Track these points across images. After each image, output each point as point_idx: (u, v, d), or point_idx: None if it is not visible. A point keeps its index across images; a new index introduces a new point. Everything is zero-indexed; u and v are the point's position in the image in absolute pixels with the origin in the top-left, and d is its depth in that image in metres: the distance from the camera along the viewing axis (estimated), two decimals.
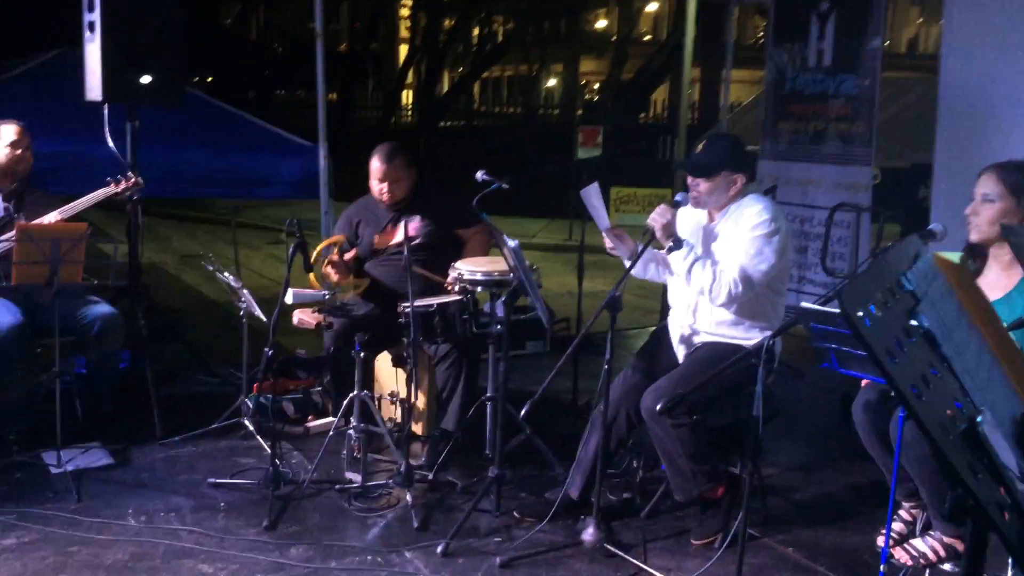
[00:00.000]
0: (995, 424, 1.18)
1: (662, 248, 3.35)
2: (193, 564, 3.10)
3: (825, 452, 4.35)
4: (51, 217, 4.02)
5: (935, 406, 1.13)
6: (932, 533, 3.23)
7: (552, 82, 34.11)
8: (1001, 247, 2.95)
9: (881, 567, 3.00)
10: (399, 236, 3.83)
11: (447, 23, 24.33)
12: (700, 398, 3.18)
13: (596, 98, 29.29)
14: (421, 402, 4.26)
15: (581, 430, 3.59)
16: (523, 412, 3.33)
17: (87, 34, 4.37)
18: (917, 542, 3.24)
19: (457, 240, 4.30)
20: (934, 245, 2.92)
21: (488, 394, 3.85)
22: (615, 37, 29.79)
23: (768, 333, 3.21)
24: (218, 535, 3.31)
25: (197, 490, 3.70)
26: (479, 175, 3.82)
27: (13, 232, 3.74)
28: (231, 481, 3.75)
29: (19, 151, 4.15)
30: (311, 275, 4.08)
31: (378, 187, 4.22)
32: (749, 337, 3.32)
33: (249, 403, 4.29)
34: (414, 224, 4.21)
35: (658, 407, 3.11)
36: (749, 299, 3.27)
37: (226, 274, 4.25)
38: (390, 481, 3.71)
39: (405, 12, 29.97)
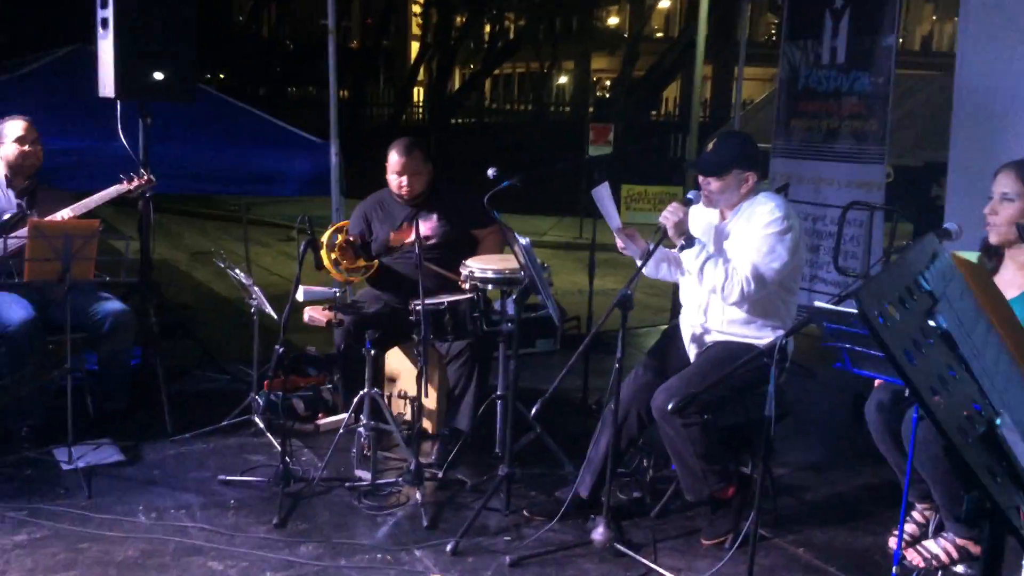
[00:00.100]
0: (1014, 426, 1.16)
1: (674, 247, 3.33)
2: (203, 561, 3.10)
3: (836, 452, 4.33)
4: (64, 214, 4.03)
5: (953, 408, 1.11)
6: (945, 534, 3.21)
7: (563, 79, 34.05)
8: (1019, 247, 2.92)
9: (893, 569, 2.98)
10: (412, 233, 3.81)
11: (459, 20, 24.31)
12: (711, 397, 3.17)
13: (608, 95, 29.21)
14: (431, 400, 4.26)
15: (591, 429, 3.58)
16: (534, 411, 3.32)
17: (100, 31, 4.38)
18: (930, 543, 3.22)
19: (472, 240, 4.29)
20: (949, 244, 2.89)
21: (498, 392, 3.84)
22: (627, 34, 29.73)
23: (780, 332, 3.20)
24: (228, 532, 3.31)
25: (207, 487, 3.70)
26: (490, 172, 3.80)
27: (26, 229, 3.75)
28: (241, 478, 3.75)
29: (27, 146, 4.16)
30: (325, 261, 4.07)
31: (397, 180, 4.20)
32: (761, 336, 3.30)
33: (259, 400, 4.30)
34: (430, 223, 4.20)
35: (670, 407, 3.10)
36: (761, 298, 3.25)
37: (237, 271, 4.25)
38: (400, 479, 3.70)
39: (417, 9, 29.99)
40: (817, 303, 2.55)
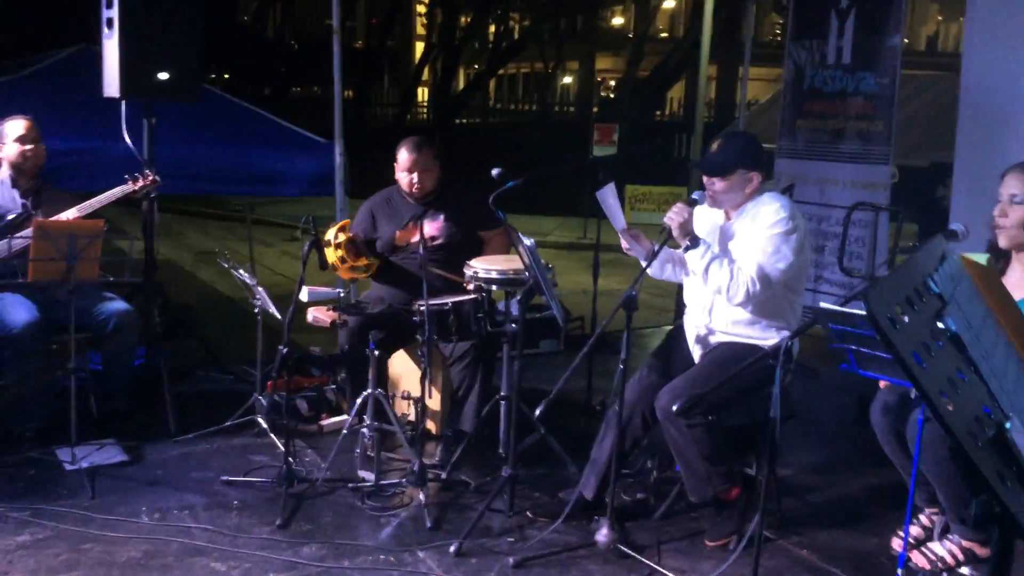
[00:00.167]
0: (1023, 429, 1.14)
1: (679, 247, 3.32)
2: (206, 562, 3.10)
3: (840, 453, 4.31)
4: (69, 214, 4.03)
5: (962, 411, 1.09)
6: (950, 536, 3.20)
7: (568, 79, 34.04)
8: None
9: (899, 571, 2.97)
10: (418, 233, 3.81)
11: (463, 20, 24.34)
12: (716, 399, 3.15)
13: (612, 96, 29.20)
14: (435, 401, 4.25)
15: (595, 429, 3.57)
16: (538, 412, 3.31)
17: (105, 30, 4.37)
18: (935, 545, 3.20)
19: (479, 241, 4.28)
20: (955, 246, 2.87)
21: (502, 393, 3.83)
22: (631, 34, 29.69)
23: (785, 332, 3.19)
24: (231, 533, 3.30)
25: (210, 488, 3.69)
26: (494, 172, 3.79)
27: (30, 229, 3.75)
28: (244, 479, 3.75)
29: (28, 146, 4.16)
30: (331, 258, 4.06)
31: (408, 178, 4.19)
32: (766, 337, 3.29)
33: (263, 401, 4.29)
34: (437, 223, 4.19)
35: (674, 408, 3.08)
36: (766, 298, 3.24)
37: (241, 271, 4.25)
38: (403, 480, 3.69)
39: (422, 9, 30.02)
40: (823, 304, 2.54)
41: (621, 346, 3.07)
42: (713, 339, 3.40)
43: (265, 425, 4.27)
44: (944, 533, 3.26)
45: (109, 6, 4.33)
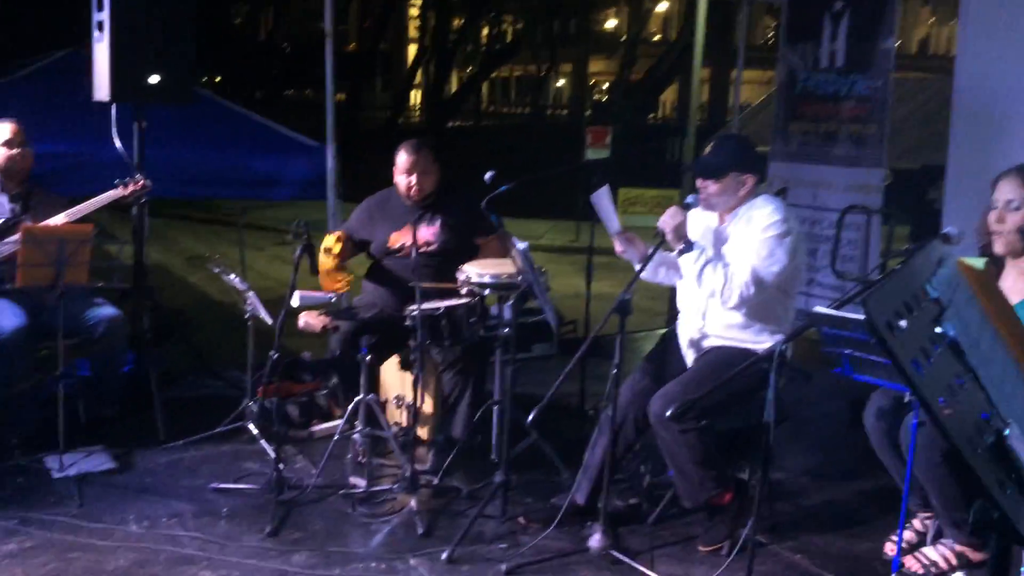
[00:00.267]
0: (1022, 436, 1.13)
1: (672, 251, 3.31)
2: (195, 571, 3.07)
3: (833, 457, 4.30)
4: (59, 219, 4.00)
5: (962, 418, 1.08)
6: (943, 541, 3.19)
7: (561, 82, 34.08)
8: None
9: (892, 575, 2.95)
10: (411, 237, 3.79)
11: (456, 23, 24.34)
12: (709, 403, 3.13)
13: (605, 98, 29.25)
14: (427, 406, 4.22)
15: (588, 434, 3.55)
16: (531, 418, 3.29)
17: (96, 33, 4.34)
18: (928, 550, 3.19)
19: (474, 247, 4.25)
20: (950, 250, 2.86)
21: (494, 398, 3.80)
22: (625, 37, 29.74)
23: (778, 336, 3.17)
24: (220, 541, 3.27)
25: (200, 495, 3.66)
26: (487, 176, 3.77)
27: (18, 235, 3.72)
28: (234, 486, 3.72)
29: (15, 150, 4.12)
30: (327, 264, 4.02)
31: (406, 180, 4.15)
32: (759, 340, 3.28)
33: (254, 407, 4.26)
34: (433, 229, 4.16)
35: (668, 413, 3.06)
36: (760, 302, 3.23)
37: (232, 276, 4.21)
38: (395, 486, 3.67)
39: (414, 12, 30.02)
40: (817, 308, 2.53)
41: (614, 350, 3.05)
42: (706, 343, 3.39)
43: (256, 431, 4.23)
44: (937, 538, 3.25)
45: (99, 9, 4.30)
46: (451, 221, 4.19)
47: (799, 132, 6.06)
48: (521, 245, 3.35)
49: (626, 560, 3.17)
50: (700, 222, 3.42)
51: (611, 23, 33.29)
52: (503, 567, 3.12)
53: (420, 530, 3.37)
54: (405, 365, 4.10)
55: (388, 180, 4.29)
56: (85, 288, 4.00)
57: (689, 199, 3.29)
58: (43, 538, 3.24)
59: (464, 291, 3.72)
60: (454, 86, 28.63)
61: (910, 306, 1.07)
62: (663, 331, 4.00)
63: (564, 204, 11.49)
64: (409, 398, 3.72)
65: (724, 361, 3.21)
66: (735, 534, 3.24)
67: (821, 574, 3.20)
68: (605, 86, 32.96)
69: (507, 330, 3.59)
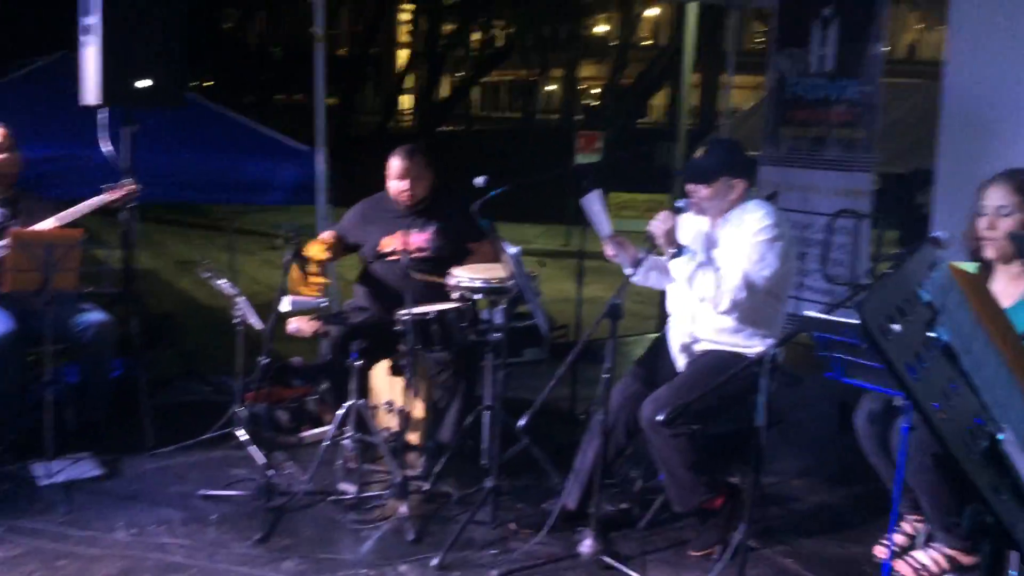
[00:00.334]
0: (1016, 441, 1.12)
1: (663, 255, 3.31)
2: None
3: (823, 461, 4.30)
4: (48, 223, 3.97)
5: (956, 422, 1.07)
6: (934, 544, 3.19)
7: (552, 87, 34.11)
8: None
9: None
10: (400, 243, 3.78)
11: (447, 28, 24.33)
12: (701, 408, 3.13)
13: (596, 103, 29.30)
14: (418, 411, 4.20)
15: (579, 439, 3.55)
16: (522, 423, 3.27)
17: (82, 37, 4.32)
18: (918, 553, 3.19)
19: (466, 253, 4.23)
20: (939, 254, 2.86)
21: (485, 403, 3.79)
22: (615, 42, 29.78)
23: (769, 340, 3.18)
24: (209, 548, 3.25)
25: (188, 502, 3.64)
26: (478, 181, 3.76)
27: (6, 240, 3.69)
28: (223, 492, 3.69)
29: (3, 155, 4.09)
30: (311, 268, 4.00)
31: (398, 186, 4.14)
32: (750, 345, 3.28)
33: (243, 412, 4.23)
34: (425, 235, 4.15)
35: (659, 418, 3.06)
36: (751, 306, 3.23)
37: (222, 281, 4.19)
38: (385, 492, 3.65)
39: (406, 17, 29.98)
40: (807, 312, 2.53)
41: (605, 354, 3.05)
42: (697, 347, 3.39)
43: (245, 437, 4.21)
44: (928, 541, 3.25)
45: (87, 13, 4.28)
46: (444, 226, 4.17)
47: (789, 136, 6.08)
48: (512, 250, 3.34)
49: (617, 565, 3.16)
50: (691, 226, 3.42)
51: (602, 28, 33.30)
52: (494, 573, 3.11)
53: (410, 536, 3.35)
54: (396, 370, 4.09)
55: (379, 184, 4.28)
56: (73, 293, 3.97)
57: (680, 203, 3.29)
58: (30, 546, 3.22)
59: (455, 296, 3.71)
60: (445, 91, 28.62)
61: (903, 310, 1.07)
62: (654, 335, 3.99)
63: (554, 209, 11.49)
64: (399, 403, 3.71)
65: (715, 365, 3.21)
66: (727, 538, 3.24)
67: None
68: (596, 91, 33.01)
69: (498, 335, 3.58)
